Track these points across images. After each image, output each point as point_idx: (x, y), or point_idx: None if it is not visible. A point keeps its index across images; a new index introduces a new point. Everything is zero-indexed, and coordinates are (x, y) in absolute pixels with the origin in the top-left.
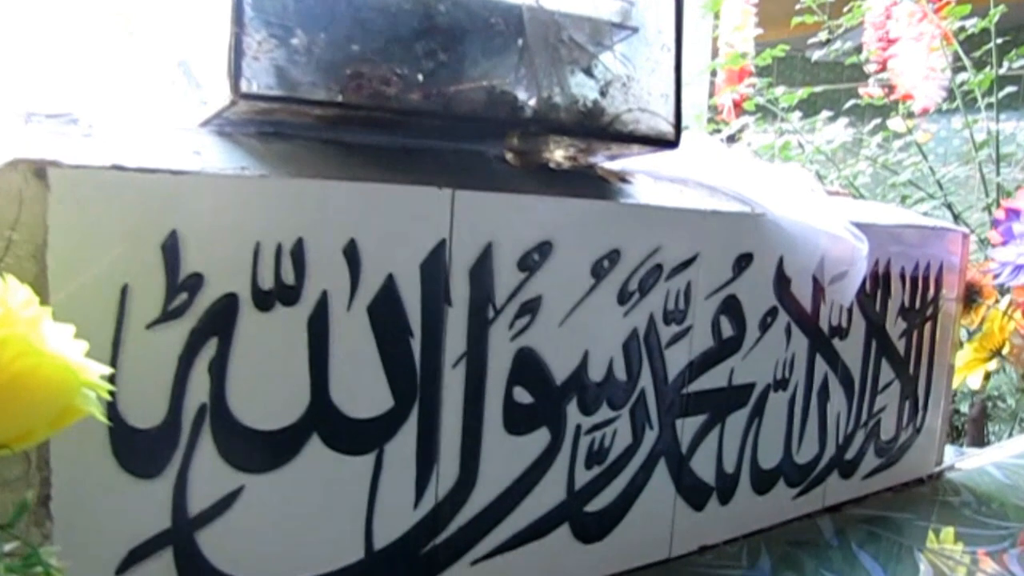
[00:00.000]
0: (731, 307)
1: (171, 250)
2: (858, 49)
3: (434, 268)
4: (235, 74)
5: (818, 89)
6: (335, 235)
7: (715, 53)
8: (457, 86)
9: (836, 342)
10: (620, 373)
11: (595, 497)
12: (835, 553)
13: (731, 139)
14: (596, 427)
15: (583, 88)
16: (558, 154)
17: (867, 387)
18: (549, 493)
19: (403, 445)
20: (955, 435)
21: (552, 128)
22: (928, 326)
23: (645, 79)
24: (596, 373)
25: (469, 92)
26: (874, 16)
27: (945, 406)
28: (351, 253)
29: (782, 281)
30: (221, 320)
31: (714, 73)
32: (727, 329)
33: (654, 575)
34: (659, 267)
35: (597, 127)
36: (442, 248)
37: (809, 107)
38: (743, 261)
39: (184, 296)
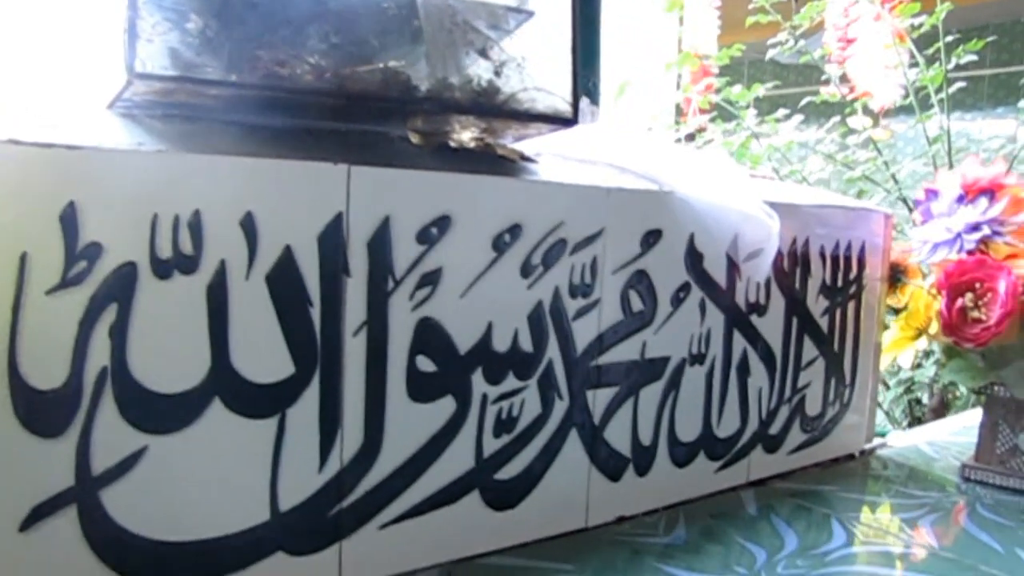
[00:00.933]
0: (640, 281)
1: (69, 220)
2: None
3: (331, 240)
4: (130, 55)
5: (770, 87)
6: (231, 208)
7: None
8: (352, 67)
9: (755, 319)
10: (526, 344)
11: (505, 465)
12: (754, 523)
13: (690, 137)
14: (503, 396)
15: (478, 69)
16: (465, 135)
17: (789, 363)
18: (457, 460)
19: (306, 410)
20: (918, 425)
21: (447, 107)
22: (852, 305)
23: (542, 60)
24: (501, 344)
25: (364, 73)
26: (834, 17)
27: (873, 384)
28: (248, 225)
29: (694, 257)
30: (120, 287)
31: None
32: (637, 303)
33: (571, 543)
34: (563, 242)
35: (493, 106)
36: (339, 221)
37: (774, 108)
38: (651, 237)
39: (83, 264)
